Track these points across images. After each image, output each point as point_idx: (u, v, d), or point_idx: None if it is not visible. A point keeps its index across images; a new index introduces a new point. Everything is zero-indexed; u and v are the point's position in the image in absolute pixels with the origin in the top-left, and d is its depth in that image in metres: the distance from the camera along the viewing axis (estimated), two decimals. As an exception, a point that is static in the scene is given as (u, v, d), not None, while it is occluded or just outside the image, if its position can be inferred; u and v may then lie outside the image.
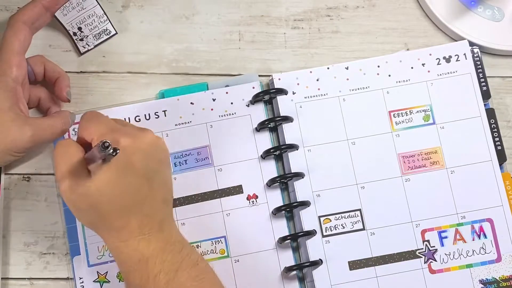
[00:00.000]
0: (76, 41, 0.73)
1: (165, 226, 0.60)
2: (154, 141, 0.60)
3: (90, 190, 0.57)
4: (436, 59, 0.74)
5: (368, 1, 0.78)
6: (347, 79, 0.74)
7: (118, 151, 0.54)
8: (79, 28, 0.72)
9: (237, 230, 0.70)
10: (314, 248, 0.70)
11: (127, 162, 0.57)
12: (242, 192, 0.71)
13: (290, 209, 0.71)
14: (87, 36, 0.73)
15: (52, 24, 0.73)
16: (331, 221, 0.71)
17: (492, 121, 0.73)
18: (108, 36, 0.74)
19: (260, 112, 0.73)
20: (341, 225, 0.71)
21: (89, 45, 0.73)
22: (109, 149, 0.53)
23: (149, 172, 0.59)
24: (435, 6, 0.77)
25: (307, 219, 0.70)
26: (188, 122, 0.72)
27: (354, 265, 0.70)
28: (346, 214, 0.71)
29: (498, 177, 0.72)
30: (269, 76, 0.74)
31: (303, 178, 0.71)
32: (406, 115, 0.73)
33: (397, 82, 0.74)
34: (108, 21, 0.73)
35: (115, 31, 0.74)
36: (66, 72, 0.71)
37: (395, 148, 0.72)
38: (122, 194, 0.57)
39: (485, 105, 0.74)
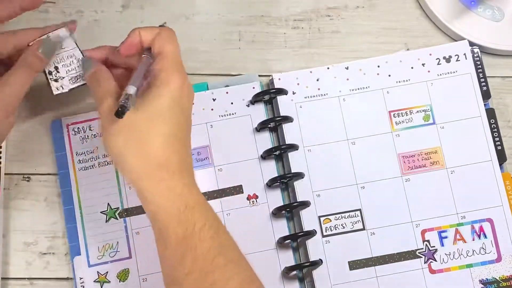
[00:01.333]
0: (50, 80, 0.66)
1: (195, 183, 0.59)
2: (191, 88, 0.62)
3: (138, 111, 0.57)
4: (436, 59, 0.74)
5: (368, 1, 0.78)
6: (347, 79, 0.74)
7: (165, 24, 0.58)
8: (56, 68, 0.66)
9: (237, 230, 0.70)
10: (314, 248, 0.70)
11: (179, 97, 0.58)
12: (242, 192, 0.71)
13: (290, 209, 0.71)
14: (63, 77, 0.66)
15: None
16: (331, 221, 0.71)
17: (492, 121, 0.73)
18: (84, 82, 0.66)
19: (260, 112, 0.73)
20: (341, 225, 0.71)
21: (63, 88, 0.67)
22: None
23: (189, 115, 0.61)
24: (435, 6, 0.77)
25: (307, 219, 0.70)
26: (188, 122, 0.72)
27: (354, 265, 0.70)
28: (346, 214, 0.71)
29: (498, 177, 0.72)
30: (269, 76, 0.74)
31: (303, 178, 0.71)
32: (406, 115, 0.73)
33: (397, 82, 0.74)
34: None
35: None
36: None
37: (395, 148, 0.72)
38: (168, 123, 0.57)
39: (485, 105, 0.74)
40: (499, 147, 0.73)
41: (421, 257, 0.70)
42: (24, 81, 0.62)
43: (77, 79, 0.66)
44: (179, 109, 0.58)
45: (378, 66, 0.74)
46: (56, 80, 0.66)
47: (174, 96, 0.58)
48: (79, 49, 0.67)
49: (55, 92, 0.66)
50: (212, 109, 0.72)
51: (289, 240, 0.69)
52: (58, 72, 0.66)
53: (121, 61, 0.66)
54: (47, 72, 0.66)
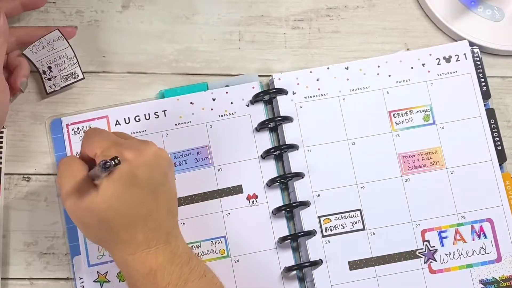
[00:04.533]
0: (44, 80, 0.71)
1: (172, 238, 0.60)
2: (158, 153, 0.60)
3: (95, 204, 0.57)
4: (436, 59, 0.74)
5: (368, 1, 0.78)
6: (347, 79, 0.74)
7: (116, 160, 0.54)
8: (49, 67, 0.71)
9: (237, 230, 0.70)
10: (314, 248, 0.70)
11: (132, 176, 0.57)
12: (242, 192, 0.71)
13: (290, 209, 0.71)
14: (55, 76, 0.71)
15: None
16: (331, 221, 0.71)
17: (492, 121, 0.73)
18: (75, 80, 0.71)
19: (260, 112, 0.73)
20: (341, 225, 0.71)
21: (55, 86, 0.71)
22: (110, 166, 0.54)
23: (153, 184, 0.59)
24: (435, 6, 0.77)
25: (307, 219, 0.70)
26: (188, 122, 0.72)
27: (354, 265, 0.70)
28: (346, 214, 0.71)
29: (498, 177, 0.72)
30: (269, 76, 0.74)
31: (303, 178, 0.71)
32: (406, 115, 0.73)
33: (397, 82, 0.74)
34: (77, 64, 0.71)
35: (83, 75, 0.72)
36: None
37: (395, 148, 0.72)
38: (127, 207, 0.57)
39: (485, 105, 0.74)
40: (499, 147, 0.73)
41: (421, 257, 0.70)
42: None
43: (68, 78, 0.71)
44: (136, 187, 0.57)
45: (378, 66, 0.74)
46: (49, 79, 0.71)
47: (125, 178, 0.57)
48: (71, 48, 0.71)
49: (49, 90, 0.71)
50: (212, 109, 0.72)
51: (289, 240, 0.69)
52: (51, 71, 0.71)
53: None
54: (41, 72, 0.71)
